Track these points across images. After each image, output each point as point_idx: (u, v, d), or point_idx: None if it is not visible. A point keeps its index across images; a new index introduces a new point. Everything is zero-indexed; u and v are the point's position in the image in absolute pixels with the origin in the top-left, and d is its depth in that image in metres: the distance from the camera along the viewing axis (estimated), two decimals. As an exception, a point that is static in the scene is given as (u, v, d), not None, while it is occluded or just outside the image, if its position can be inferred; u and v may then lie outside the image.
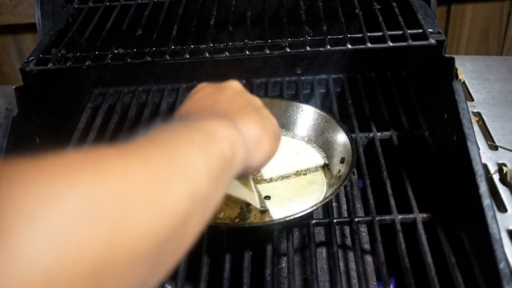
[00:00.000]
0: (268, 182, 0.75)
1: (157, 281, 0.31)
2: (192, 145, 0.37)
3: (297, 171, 0.76)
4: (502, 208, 0.71)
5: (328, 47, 0.71)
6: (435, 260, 0.61)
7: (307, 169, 0.76)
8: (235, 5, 0.84)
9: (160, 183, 0.31)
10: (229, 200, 0.70)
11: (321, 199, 0.70)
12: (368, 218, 0.69)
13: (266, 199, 0.71)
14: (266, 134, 0.49)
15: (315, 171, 0.76)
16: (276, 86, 1.03)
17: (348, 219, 0.69)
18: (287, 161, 0.78)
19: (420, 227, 0.66)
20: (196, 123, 0.41)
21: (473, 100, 0.93)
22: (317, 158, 0.78)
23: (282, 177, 0.76)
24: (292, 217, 0.61)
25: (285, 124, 0.83)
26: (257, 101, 0.55)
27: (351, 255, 0.72)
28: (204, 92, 0.52)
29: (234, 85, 0.54)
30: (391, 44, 0.70)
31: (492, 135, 0.84)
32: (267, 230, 0.68)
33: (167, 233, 0.30)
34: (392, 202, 0.70)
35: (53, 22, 0.90)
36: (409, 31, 0.72)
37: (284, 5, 0.83)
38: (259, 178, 0.75)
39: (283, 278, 0.71)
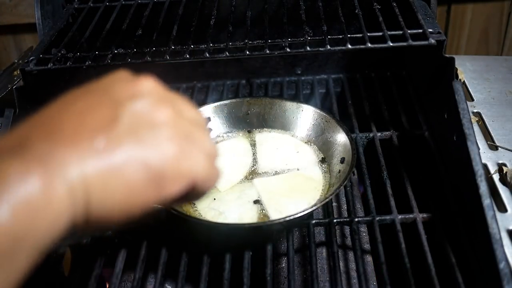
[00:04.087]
0: (263, 177, 0.75)
1: None
2: None
3: (293, 169, 0.76)
4: (502, 208, 0.71)
5: (328, 47, 0.71)
6: (435, 260, 0.61)
7: (303, 168, 0.76)
8: (235, 5, 0.83)
9: None
10: None
11: (318, 196, 0.70)
12: (368, 218, 0.69)
13: (256, 203, 0.70)
14: (172, 169, 0.36)
15: (312, 169, 0.76)
16: (276, 86, 1.03)
17: (348, 219, 0.69)
18: (284, 158, 0.78)
19: (420, 227, 0.66)
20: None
21: (473, 100, 0.93)
22: (314, 159, 0.78)
23: (277, 173, 0.76)
24: (292, 217, 0.61)
25: (285, 124, 0.83)
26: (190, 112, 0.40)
27: (351, 255, 0.72)
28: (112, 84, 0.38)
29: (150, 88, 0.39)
30: (391, 44, 0.70)
31: (492, 135, 0.84)
32: (267, 230, 0.68)
33: None
34: (392, 202, 0.70)
35: (53, 22, 0.90)
36: (409, 31, 0.72)
37: (284, 5, 0.83)
38: (253, 171, 0.75)
39: (283, 278, 0.71)
